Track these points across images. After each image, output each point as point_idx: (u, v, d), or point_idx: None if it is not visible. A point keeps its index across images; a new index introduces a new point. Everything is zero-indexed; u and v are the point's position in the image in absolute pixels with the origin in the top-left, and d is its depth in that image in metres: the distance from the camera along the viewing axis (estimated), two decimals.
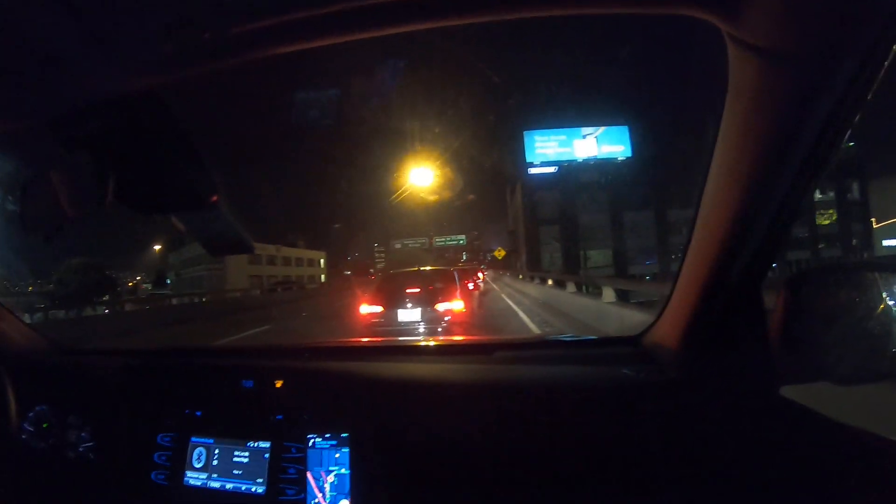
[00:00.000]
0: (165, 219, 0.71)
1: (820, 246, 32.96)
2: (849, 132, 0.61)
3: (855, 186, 34.28)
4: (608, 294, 8.22)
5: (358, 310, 6.25)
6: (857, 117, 0.58)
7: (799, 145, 0.62)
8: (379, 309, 6.05)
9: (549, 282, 13.91)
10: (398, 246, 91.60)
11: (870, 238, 34.25)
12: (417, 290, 6.22)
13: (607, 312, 7.42)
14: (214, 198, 0.67)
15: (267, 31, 0.53)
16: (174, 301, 21.40)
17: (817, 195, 33.55)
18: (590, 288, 10.76)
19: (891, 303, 0.70)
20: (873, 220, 34.47)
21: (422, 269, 7.70)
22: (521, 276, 19.79)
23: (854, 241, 33.76)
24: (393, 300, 6.08)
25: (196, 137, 0.63)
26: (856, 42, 0.51)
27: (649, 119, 33.60)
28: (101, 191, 0.60)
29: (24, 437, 1.22)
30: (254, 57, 0.58)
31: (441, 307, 5.89)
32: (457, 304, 5.94)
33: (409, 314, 5.93)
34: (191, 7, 0.50)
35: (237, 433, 1.10)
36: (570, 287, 11.53)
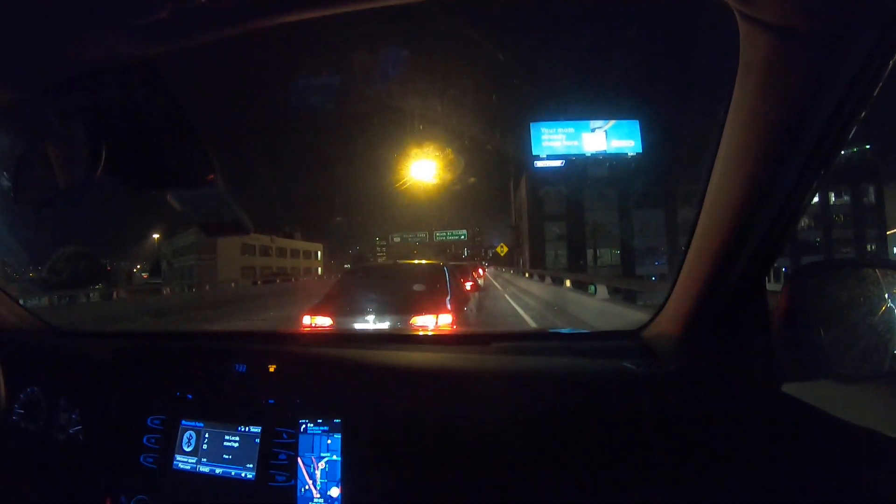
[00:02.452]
0: (164, 203, 0.69)
1: (835, 252, 31.99)
2: (864, 112, 0.56)
3: (871, 190, 33.29)
4: None
5: (300, 322, 4.22)
6: (875, 93, 0.54)
7: (812, 125, 0.59)
8: (327, 321, 3.97)
9: (567, 283, 11.16)
10: (397, 239, 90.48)
11: (885, 244, 33.33)
12: (390, 294, 4.31)
13: None
14: (211, 176, 0.65)
15: None
16: (165, 291, 20.48)
17: (832, 199, 32.65)
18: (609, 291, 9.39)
19: (892, 305, 0.70)
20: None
21: (401, 262, 5.93)
22: (526, 275, 18.60)
23: (869, 247, 32.83)
24: (351, 309, 4.13)
25: (195, 117, 0.62)
26: (874, 14, 0.48)
27: (661, 114, 32.56)
28: (94, 162, 0.59)
29: (14, 418, 1.21)
30: (253, 26, 0.53)
31: (421, 322, 3.85)
32: (444, 319, 3.91)
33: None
34: None
35: (228, 417, 1.07)
36: (602, 292, 8.83)
